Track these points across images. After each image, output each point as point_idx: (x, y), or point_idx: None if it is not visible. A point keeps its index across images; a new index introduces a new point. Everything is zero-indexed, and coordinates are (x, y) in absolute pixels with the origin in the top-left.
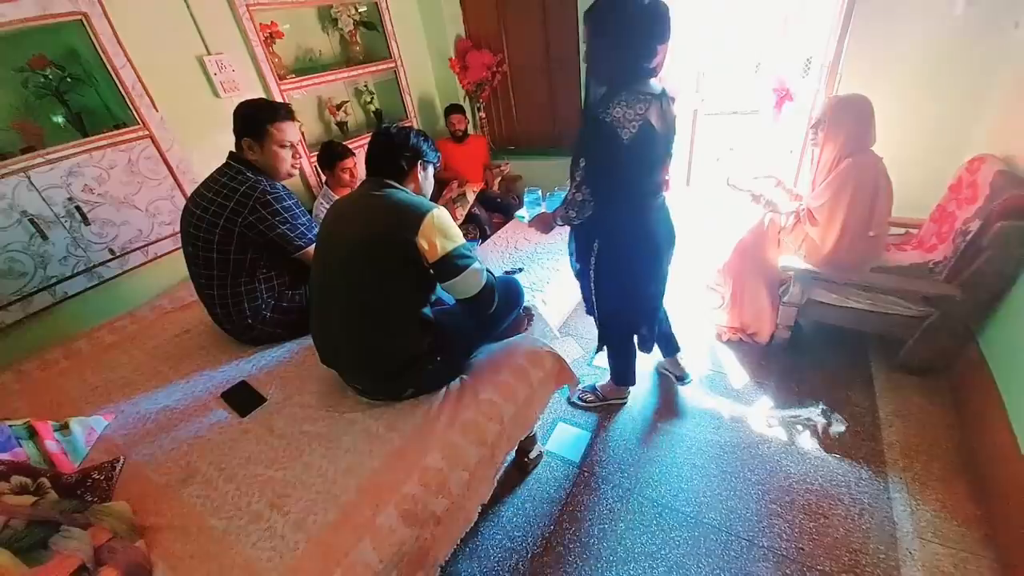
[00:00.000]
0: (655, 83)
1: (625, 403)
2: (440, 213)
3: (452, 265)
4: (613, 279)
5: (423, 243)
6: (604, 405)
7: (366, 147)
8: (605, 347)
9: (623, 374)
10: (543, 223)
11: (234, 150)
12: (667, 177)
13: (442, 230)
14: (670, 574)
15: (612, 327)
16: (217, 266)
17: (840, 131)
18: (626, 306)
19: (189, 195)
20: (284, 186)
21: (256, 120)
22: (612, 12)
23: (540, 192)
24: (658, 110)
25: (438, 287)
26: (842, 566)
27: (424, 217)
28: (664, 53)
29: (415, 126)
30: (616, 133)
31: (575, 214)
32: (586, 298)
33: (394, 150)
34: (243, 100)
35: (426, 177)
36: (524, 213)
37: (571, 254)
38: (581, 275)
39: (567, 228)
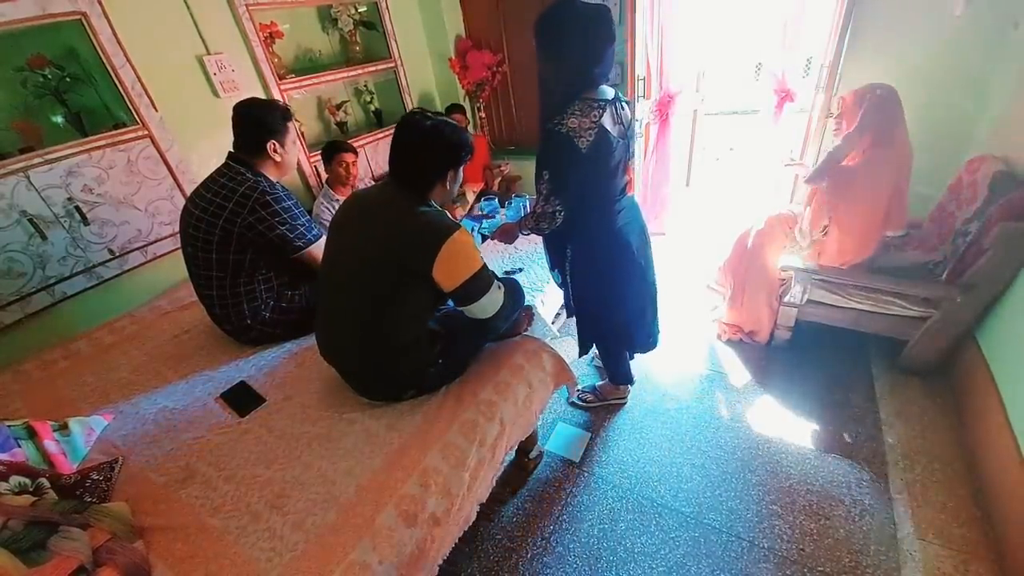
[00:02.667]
0: (607, 88)
1: (625, 403)
2: (456, 240)
3: (471, 293)
4: (589, 283)
5: (438, 275)
6: (604, 405)
7: (393, 139)
8: (594, 349)
9: (620, 374)
10: (507, 234)
11: (233, 150)
12: (629, 178)
13: (458, 258)
14: (670, 575)
15: (597, 330)
16: (216, 266)
17: (862, 122)
18: (608, 308)
19: (188, 195)
20: (283, 186)
21: (277, 120)
22: (555, 23)
23: (497, 201)
24: (612, 115)
25: None
26: (843, 567)
27: (441, 246)
28: (612, 56)
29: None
30: (573, 144)
31: (546, 225)
32: (567, 303)
33: (428, 159)
34: (246, 103)
35: (456, 179)
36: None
37: (548, 265)
38: (562, 284)
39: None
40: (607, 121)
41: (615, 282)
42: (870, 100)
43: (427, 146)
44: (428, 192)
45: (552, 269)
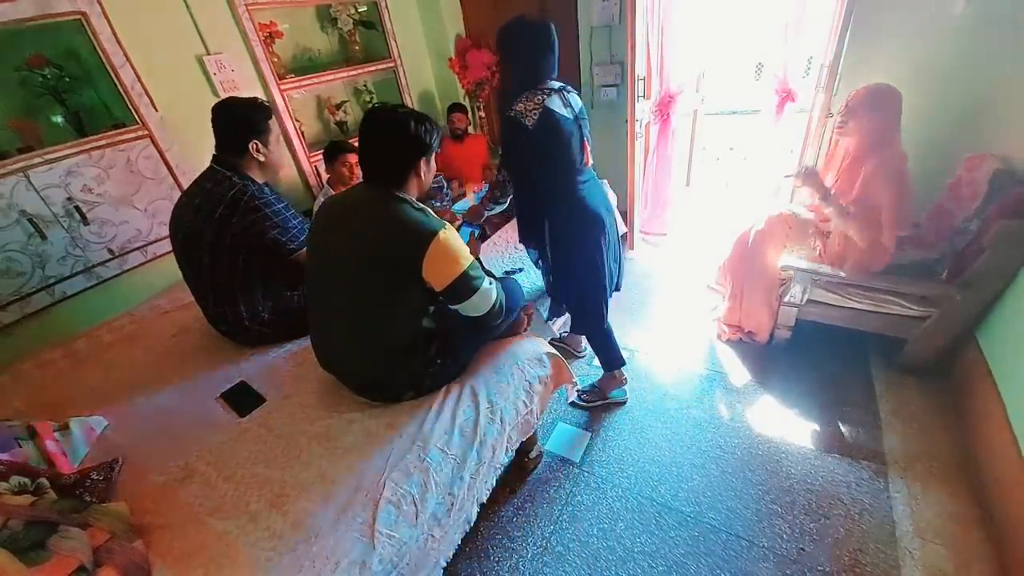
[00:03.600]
0: (554, 82)
1: (626, 401)
2: (444, 237)
3: (460, 291)
4: (568, 253)
5: (428, 274)
6: (605, 404)
7: (359, 137)
8: (586, 336)
9: (610, 355)
10: (473, 213)
11: (217, 153)
12: (586, 151)
13: (448, 256)
14: (670, 574)
15: (583, 306)
16: (209, 272)
17: (868, 121)
18: (588, 279)
19: (176, 202)
20: (272, 189)
21: (260, 120)
22: (508, 34)
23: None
24: (560, 99)
25: None
26: (842, 566)
27: (428, 246)
28: (553, 59)
29: (408, 106)
30: (521, 123)
31: (499, 193)
32: (546, 282)
33: (395, 151)
34: (224, 103)
35: (429, 170)
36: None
37: (526, 246)
38: (539, 259)
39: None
40: (554, 103)
41: (590, 251)
42: (875, 99)
43: (392, 138)
44: (403, 186)
45: (527, 247)
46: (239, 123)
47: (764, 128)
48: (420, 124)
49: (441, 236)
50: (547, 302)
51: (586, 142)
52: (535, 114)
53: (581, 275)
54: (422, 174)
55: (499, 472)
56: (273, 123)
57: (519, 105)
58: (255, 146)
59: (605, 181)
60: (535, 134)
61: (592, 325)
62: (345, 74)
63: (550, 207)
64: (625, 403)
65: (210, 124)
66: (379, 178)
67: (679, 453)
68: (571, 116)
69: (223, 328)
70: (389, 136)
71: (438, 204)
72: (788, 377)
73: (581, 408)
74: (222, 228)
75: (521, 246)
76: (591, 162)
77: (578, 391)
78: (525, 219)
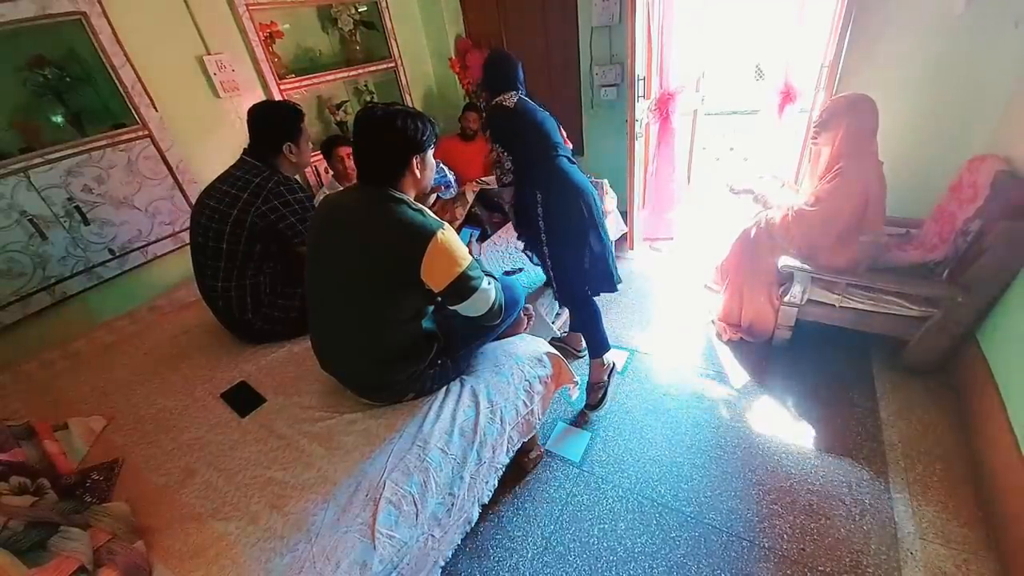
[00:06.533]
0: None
1: (617, 369)
2: (443, 237)
3: (459, 292)
4: (562, 227)
5: (427, 275)
6: (609, 387)
7: (352, 139)
8: (575, 322)
9: (599, 338)
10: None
11: (247, 148)
12: (563, 133)
13: (446, 257)
14: (670, 574)
15: (572, 288)
16: (225, 256)
17: (839, 131)
18: (579, 257)
19: (204, 188)
20: (298, 181)
21: (293, 124)
22: (489, 63)
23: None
24: (531, 101)
25: None
26: (843, 567)
27: (427, 247)
28: (517, 79)
29: (404, 104)
30: (503, 105)
31: (499, 172)
32: (542, 262)
33: (385, 151)
34: (262, 107)
35: (426, 166)
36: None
37: (518, 235)
38: (532, 241)
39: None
40: (523, 95)
41: (579, 220)
42: (848, 109)
43: (381, 137)
44: (398, 186)
45: (519, 235)
46: (277, 127)
47: (764, 128)
48: (411, 121)
49: (439, 236)
50: (548, 300)
51: (560, 128)
52: (513, 99)
53: (573, 245)
54: (417, 172)
55: (499, 472)
56: (305, 126)
57: (500, 96)
58: (289, 148)
59: (605, 181)
60: (515, 112)
61: (581, 303)
62: (346, 74)
63: (541, 179)
64: (619, 370)
65: (210, 124)
66: (374, 177)
67: (679, 453)
68: (539, 107)
69: (227, 321)
70: (380, 134)
71: (444, 196)
72: (788, 377)
73: (598, 407)
74: (245, 211)
75: (521, 246)
76: (570, 145)
77: (585, 407)
78: (524, 199)
